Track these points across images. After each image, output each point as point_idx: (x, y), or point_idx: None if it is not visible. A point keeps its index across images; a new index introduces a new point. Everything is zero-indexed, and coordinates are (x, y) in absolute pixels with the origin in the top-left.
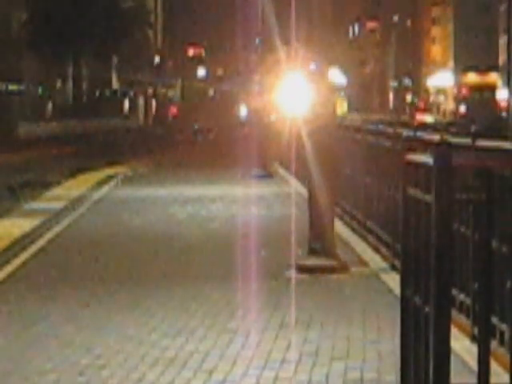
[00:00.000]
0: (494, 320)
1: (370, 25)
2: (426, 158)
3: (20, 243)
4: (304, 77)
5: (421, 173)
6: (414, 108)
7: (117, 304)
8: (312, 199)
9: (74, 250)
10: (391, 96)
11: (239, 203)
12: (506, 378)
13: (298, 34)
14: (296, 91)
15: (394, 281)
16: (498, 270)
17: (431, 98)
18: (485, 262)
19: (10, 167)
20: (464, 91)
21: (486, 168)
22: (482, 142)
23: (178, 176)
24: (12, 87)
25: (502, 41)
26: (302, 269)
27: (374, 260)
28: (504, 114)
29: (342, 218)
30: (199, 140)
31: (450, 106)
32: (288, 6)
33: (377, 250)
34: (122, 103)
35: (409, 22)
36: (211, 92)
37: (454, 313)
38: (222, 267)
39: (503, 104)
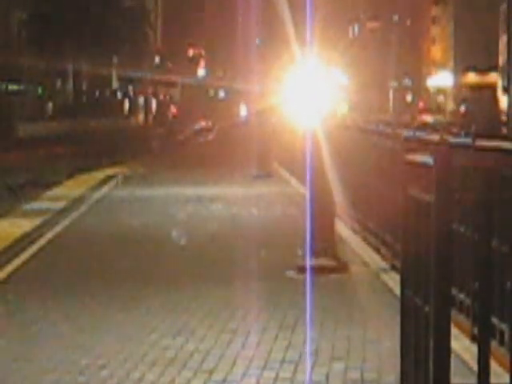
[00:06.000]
0: (494, 320)
1: (371, 25)
2: (426, 158)
3: (20, 243)
4: (317, 76)
5: (421, 173)
6: (419, 109)
7: (117, 304)
8: (313, 199)
9: (74, 249)
10: (391, 96)
11: (239, 203)
12: (506, 377)
13: (307, 34)
14: (311, 90)
15: (393, 281)
16: (498, 270)
17: (433, 98)
18: (485, 261)
19: (10, 167)
20: (464, 91)
21: (486, 168)
22: (482, 142)
23: (178, 176)
24: (12, 87)
25: (502, 41)
26: (302, 269)
27: (374, 260)
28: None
29: (342, 218)
30: (200, 140)
31: (450, 106)
32: (294, 6)
33: (377, 250)
34: (122, 103)
35: (409, 22)
36: (211, 92)
37: (454, 313)
38: (222, 267)
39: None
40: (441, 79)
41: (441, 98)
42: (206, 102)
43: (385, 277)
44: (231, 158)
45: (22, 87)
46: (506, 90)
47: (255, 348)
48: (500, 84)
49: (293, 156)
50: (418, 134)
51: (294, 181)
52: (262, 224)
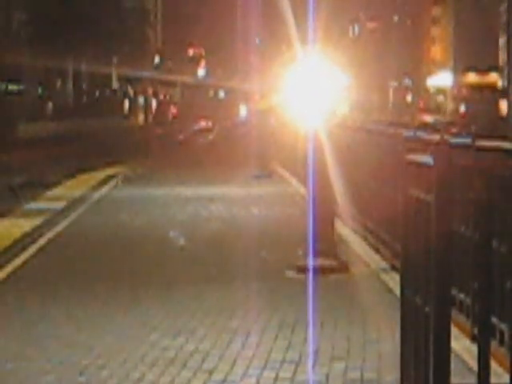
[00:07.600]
0: (494, 320)
1: (371, 25)
2: (426, 158)
3: (20, 243)
4: (318, 76)
5: (421, 173)
6: (419, 109)
7: (117, 304)
8: (313, 199)
9: (74, 249)
10: (391, 96)
11: (239, 203)
12: (506, 377)
13: (308, 33)
14: (312, 90)
15: (393, 281)
16: (498, 270)
17: (433, 98)
18: (485, 261)
19: (10, 167)
20: (464, 91)
21: (486, 168)
22: (482, 142)
23: (178, 176)
24: (12, 87)
25: (502, 41)
26: (302, 269)
27: (374, 260)
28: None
29: (342, 218)
30: (199, 140)
31: (450, 106)
32: (295, 5)
33: (377, 250)
34: (122, 103)
35: (409, 22)
36: (211, 92)
37: (454, 313)
38: (222, 267)
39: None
40: (441, 79)
41: (441, 98)
42: (206, 101)
43: (385, 277)
44: (231, 158)
45: (21, 87)
46: (505, 90)
47: (255, 348)
48: (500, 84)
49: (293, 156)
50: (418, 133)
51: (294, 181)
52: (262, 224)
